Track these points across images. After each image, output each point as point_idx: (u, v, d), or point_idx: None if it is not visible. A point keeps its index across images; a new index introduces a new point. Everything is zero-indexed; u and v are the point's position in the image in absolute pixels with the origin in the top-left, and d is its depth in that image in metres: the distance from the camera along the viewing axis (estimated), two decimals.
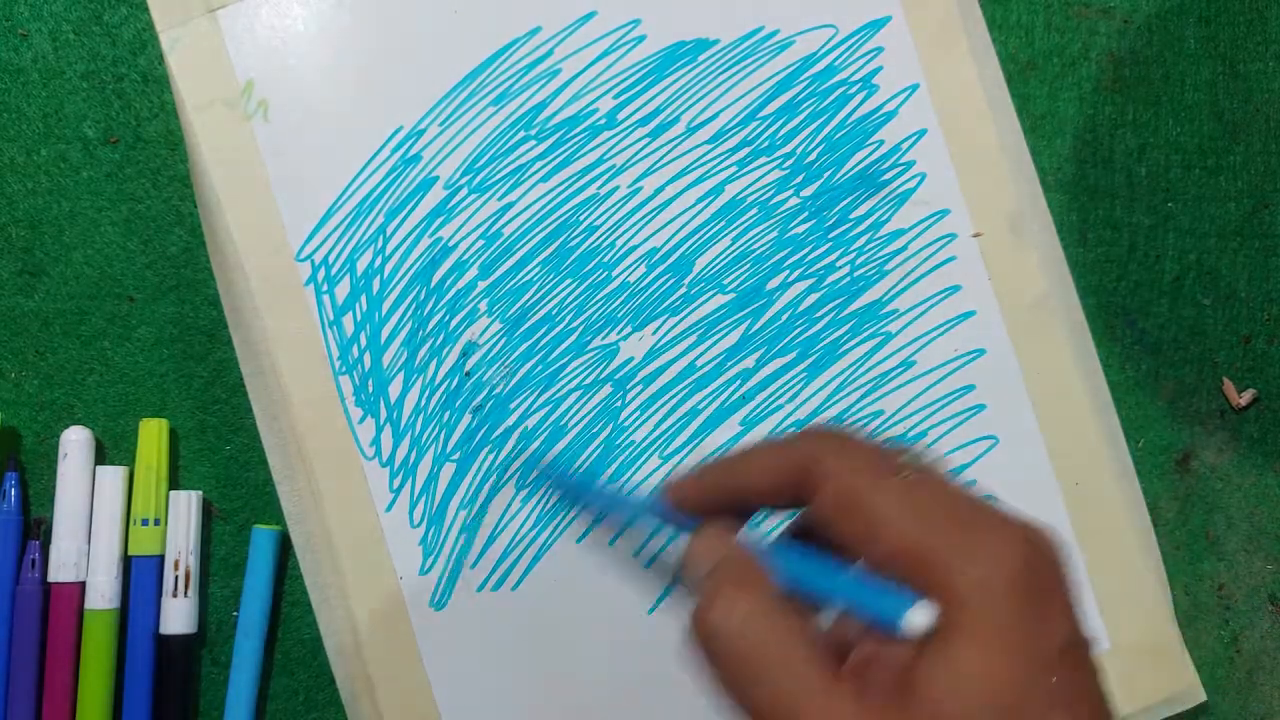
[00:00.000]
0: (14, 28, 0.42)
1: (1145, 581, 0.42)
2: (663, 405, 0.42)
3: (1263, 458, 0.44)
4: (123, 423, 0.42)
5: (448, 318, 0.42)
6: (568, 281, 0.42)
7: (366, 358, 0.41)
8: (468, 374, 0.42)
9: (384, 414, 0.41)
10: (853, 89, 0.43)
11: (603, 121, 0.42)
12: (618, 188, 0.42)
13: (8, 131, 0.42)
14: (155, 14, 0.41)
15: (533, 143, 0.42)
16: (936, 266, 0.43)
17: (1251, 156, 0.44)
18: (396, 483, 0.41)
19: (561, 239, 0.42)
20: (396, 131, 0.42)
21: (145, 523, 0.41)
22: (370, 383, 0.41)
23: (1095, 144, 0.44)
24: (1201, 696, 0.42)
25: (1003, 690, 0.24)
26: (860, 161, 0.43)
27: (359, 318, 0.41)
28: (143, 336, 0.43)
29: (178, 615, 0.41)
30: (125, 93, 0.43)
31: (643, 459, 0.42)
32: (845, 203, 0.43)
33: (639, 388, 0.42)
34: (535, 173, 0.42)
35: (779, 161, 0.43)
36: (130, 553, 0.41)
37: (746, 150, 0.43)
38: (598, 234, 0.42)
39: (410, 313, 0.42)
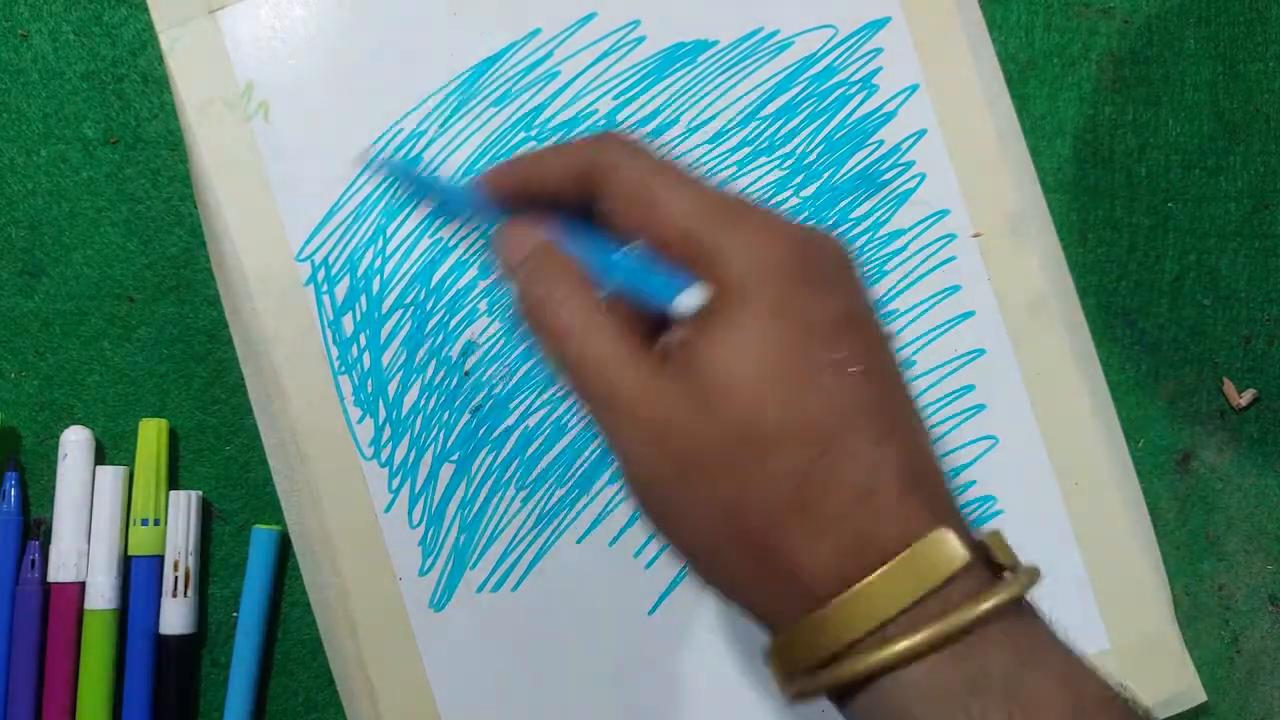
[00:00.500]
0: (14, 28, 0.42)
1: (1145, 581, 0.42)
2: None
3: (1263, 458, 0.44)
4: (123, 423, 0.42)
5: (447, 317, 0.42)
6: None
7: (366, 357, 0.41)
8: (467, 374, 0.42)
9: (383, 414, 0.41)
10: (852, 89, 0.43)
11: (603, 122, 0.42)
12: None
13: (8, 131, 0.42)
14: (155, 14, 0.41)
15: (533, 143, 0.42)
16: (936, 266, 0.43)
17: (1251, 156, 0.44)
18: (396, 483, 0.41)
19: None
20: (398, 132, 0.42)
21: (145, 523, 0.41)
22: (370, 382, 0.41)
23: (1095, 144, 0.44)
24: (1202, 697, 0.42)
25: (769, 358, 0.26)
26: (860, 162, 0.43)
27: (359, 318, 0.41)
28: (143, 336, 0.43)
29: (177, 615, 0.41)
30: (125, 93, 0.43)
31: None
32: (845, 203, 0.43)
33: None
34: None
35: (779, 162, 0.43)
36: (130, 553, 0.41)
37: (746, 150, 0.43)
38: None
39: (410, 313, 0.42)
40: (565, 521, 0.42)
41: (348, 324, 0.41)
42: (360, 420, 0.41)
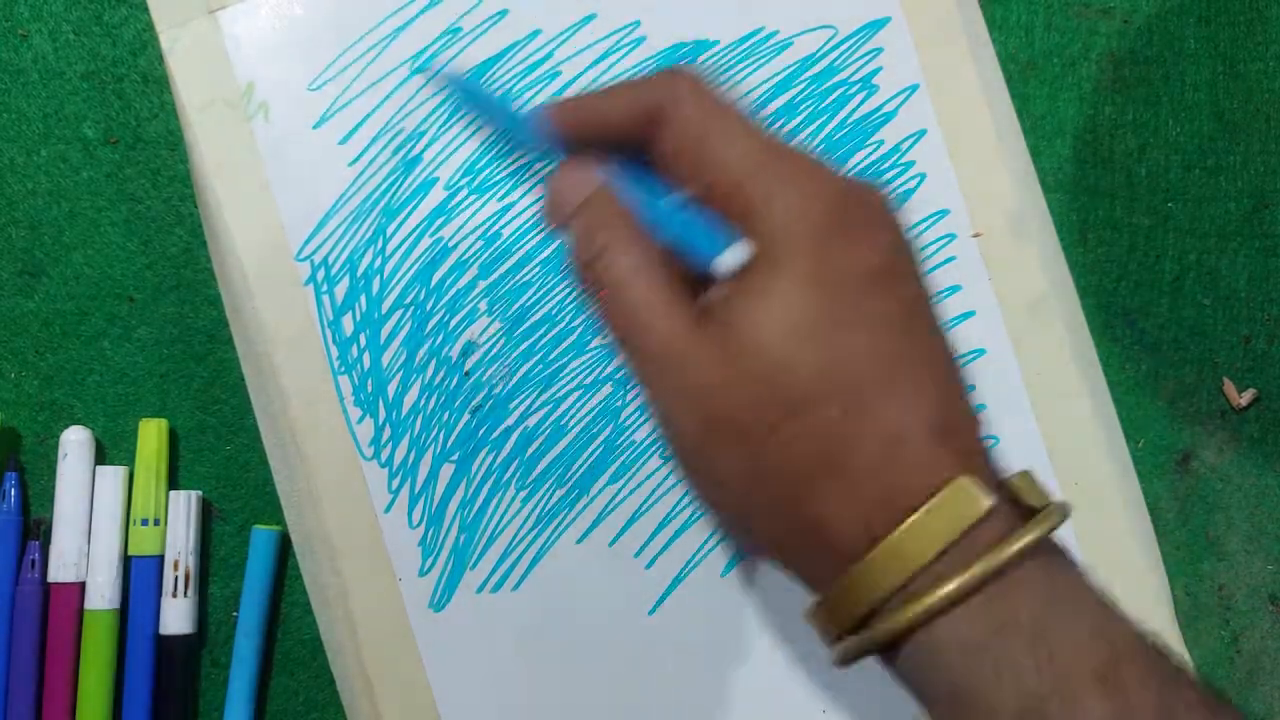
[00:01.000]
0: (14, 28, 0.42)
1: (1145, 581, 0.42)
2: None
3: (1263, 458, 0.44)
4: (123, 423, 0.42)
5: (447, 318, 0.42)
6: (568, 281, 0.42)
7: (366, 357, 0.41)
8: (467, 374, 0.42)
9: (383, 414, 0.41)
10: (852, 89, 0.43)
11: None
12: None
13: (8, 131, 0.42)
14: (155, 14, 0.41)
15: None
16: (936, 266, 0.43)
17: (1251, 156, 0.44)
18: (395, 483, 0.41)
19: (561, 239, 0.42)
20: (397, 133, 0.42)
21: (145, 523, 0.41)
22: (369, 383, 0.41)
23: (1095, 144, 0.44)
24: None
25: (800, 317, 0.26)
26: (860, 162, 0.43)
27: (358, 318, 0.41)
28: (143, 336, 0.43)
29: (178, 615, 0.41)
30: (125, 93, 0.43)
31: (643, 459, 0.42)
32: None
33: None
34: (535, 174, 0.42)
35: None
36: (130, 553, 0.41)
37: None
38: None
39: (410, 313, 0.42)
40: (565, 521, 0.42)
41: (347, 324, 0.41)
42: (360, 420, 0.41)
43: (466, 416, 0.42)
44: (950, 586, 0.25)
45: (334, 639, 0.41)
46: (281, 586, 0.42)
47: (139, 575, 0.41)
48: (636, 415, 0.42)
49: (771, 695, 0.42)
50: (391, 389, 0.41)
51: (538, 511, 0.42)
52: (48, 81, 0.43)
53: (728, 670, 0.42)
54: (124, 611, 0.41)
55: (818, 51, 0.43)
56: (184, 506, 0.41)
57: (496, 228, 0.42)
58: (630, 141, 0.30)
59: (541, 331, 0.42)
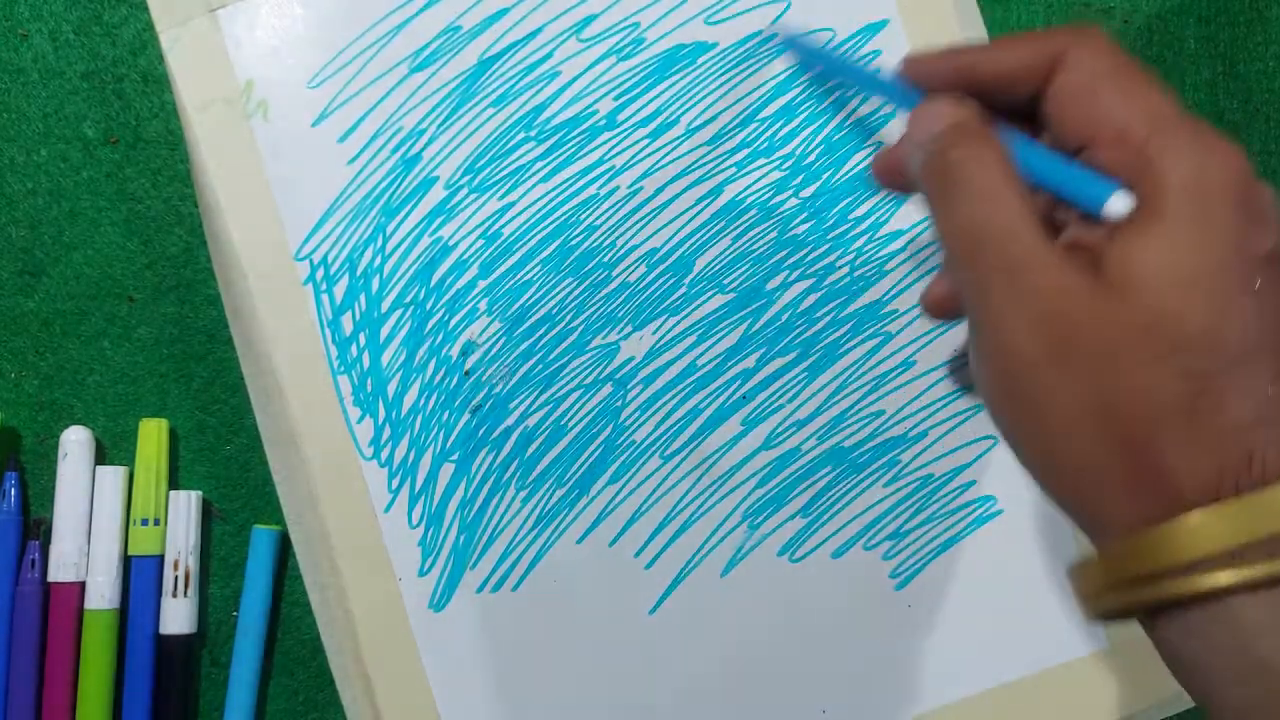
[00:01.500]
0: (14, 28, 0.42)
1: None
2: (663, 405, 0.42)
3: None
4: (123, 423, 0.42)
5: (447, 317, 0.42)
6: (568, 281, 0.42)
7: (365, 357, 0.41)
8: (467, 373, 0.42)
9: (383, 414, 0.41)
10: (851, 90, 0.43)
11: (603, 122, 0.42)
12: (618, 188, 0.42)
13: (8, 131, 0.42)
14: (155, 14, 0.41)
15: (533, 143, 0.42)
16: (936, 267, 0.43)
17: (1251, 156, 0.44)
18: (395, 483, 0.41)
19: (561, 239, 0.42)
20: (397, 131, 0.42)
21: (145, 523, 0.41)
22: (369, 382, 0.41)
23: None
24: None
25: (1197, 268, 0.26)
26: (860, 162, 0.43)
27: (358, 317, 0.41)
28: (143, 336, 0.43)
29: (178, 615, 0.41)
30: (125, 93, 0.43)
31: (643, 459, 0.42)
32: (845, 203, 0.43)
33: (639, 387, 0.42)
34: (535, 173, 0.42)
35: (779, 162, 0.43)
36: (130, 553, 0.41)
37: (746, 151, 0.43)
38: (598, 234, 0.42)
39: (410, 312, 0.42)
40: (565, 521, 0.42)
41: (347, 323, 0.41)
42: (360, 420, 0.41)
43: (466, 416, 0.42)
44: (1271, 568, 0.25)
45: (334, 639, 0.41)
46: (281, 586, 0.42)
47: (139, 575, 0.41)
48: (637, 415, 0.42)
49: (771, 695, 0.42)
50: (391, 389, 0.41)
51: (538, 511, 0.42)
52: (48, 81, 0.43)
53: (727, 670, 0.42)
54: (124, 611, 0.41)
55: None
56: (184, 506, 0.41)
57: (497, 227, 0.42)
58: (1012, 92, 0.30)
59: (541, 331, 0.42)
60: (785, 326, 0.42)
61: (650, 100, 0.42)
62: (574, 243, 0.42)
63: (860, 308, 0.43)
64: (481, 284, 0.42)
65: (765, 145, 0.43)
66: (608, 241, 0.42)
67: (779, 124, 0.43)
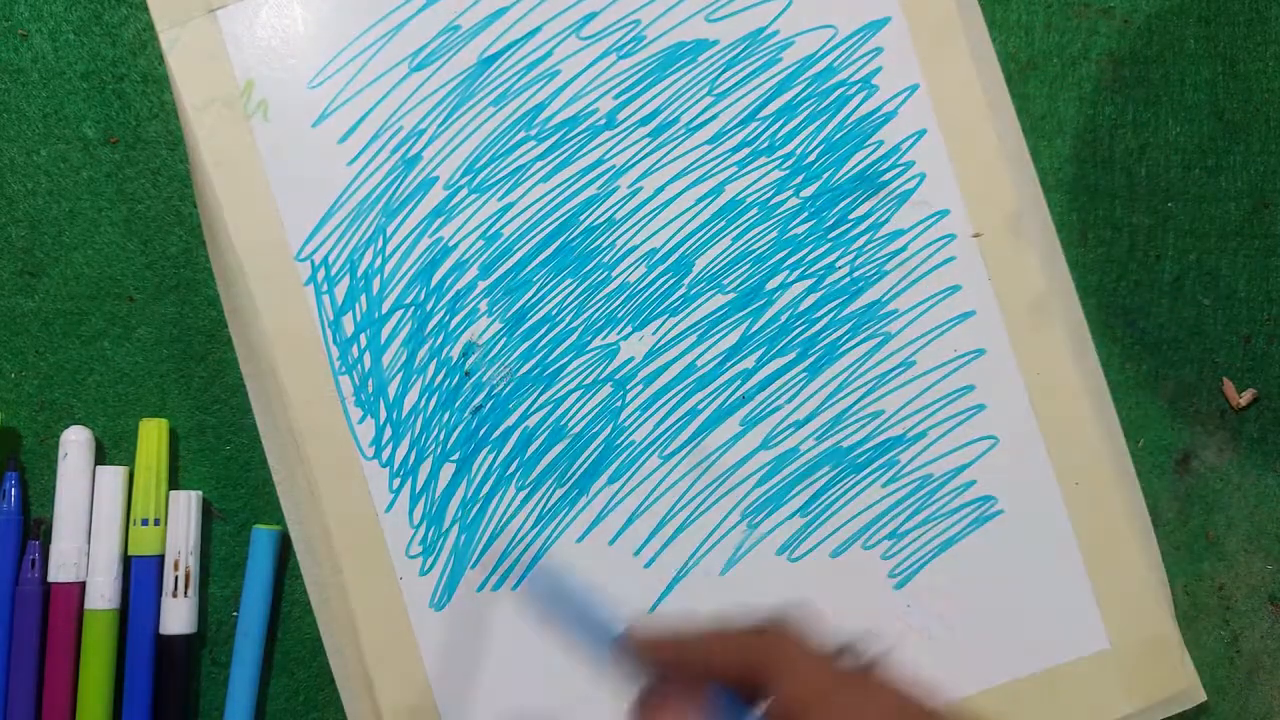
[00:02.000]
0: (14, 28, 0.42)
1: (1145, 581, 0.42)
2: (663, 405, 0.42)
3: (1263, 458, 0.44)
4: (123, 423, 0.42)
5: (448, 318, 0.42)
6: (568, 281, 0.42)
7: (366, 358, 0.41)
8: (467, 374, 0.42)
9: (384, 414, 0.41)
10: (852, 89, 0.43)
11: (602, 122, 0.42)
12: (618, 188, 0.42)
13: (8, 131, 0.42)
14: (155, 14, 0.41)
15: (533, 143, 0.42)
16: (936, 267, 0.43)
17: (1251, 156, 0.44)
18: (396, 483, 0.41)
19: (561, 239, 0.42)
20: (396, 131, 0.42)
21: (145, 523, 0.41)
22: (370, 383, 0.41)
23: (1095, 144, 0.44)
24: (1201, 696, 0.42)
25: None
26: (860, 162, 0.43)
27: (359, 318, 0.41)
28: (143, 336, 0.43)
29: (178, 615, 0.41)
30: (125, 93, 0.43)
31: (643, 459, 0.42)
32: (845, 203, 0.43)
33: (639, 388, 0.42)
34: (535, 173, 0.42)
35: (779, 162, 0.43)
36: (130, 553, 0.41)
37: (746, 150, 0.43)
38: (597, 234, 0.42)
39: (410, 313, 0.42)
40: (565, 521, 0.42)
41: (348, 324, 0.41)
42: (361, 420, 0.41)
43: (467, 416, 0.42)
44: None
45: (334, 639, 0.41)
46: (281, 586, 0.42)
47: (139, 575, 0.41)
48: (636, 415, 0.42)
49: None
50: (392, 389, 0.41)
51: (538, 511, 0.42)
52: (48, 81, 0.42)
53: None
54: (124, 611, 0.41)
55: (818, 51, 0.43)
56: (184, 506, 0.41)
57: (496, 227, 0.42)
58: (727, 684, 0.29)
59: (542, 331, 0.42)
60: (785, 326, 0.42)
61: (650, 99, 0.42)
62: (574, 243, 0.42)
63: (859, 308, 0.43)
64: (481, 285, 0.42)
65: (766, 144, 0.43)
66: (607, 241, 0.42)
67: (779, 123, 0.43)
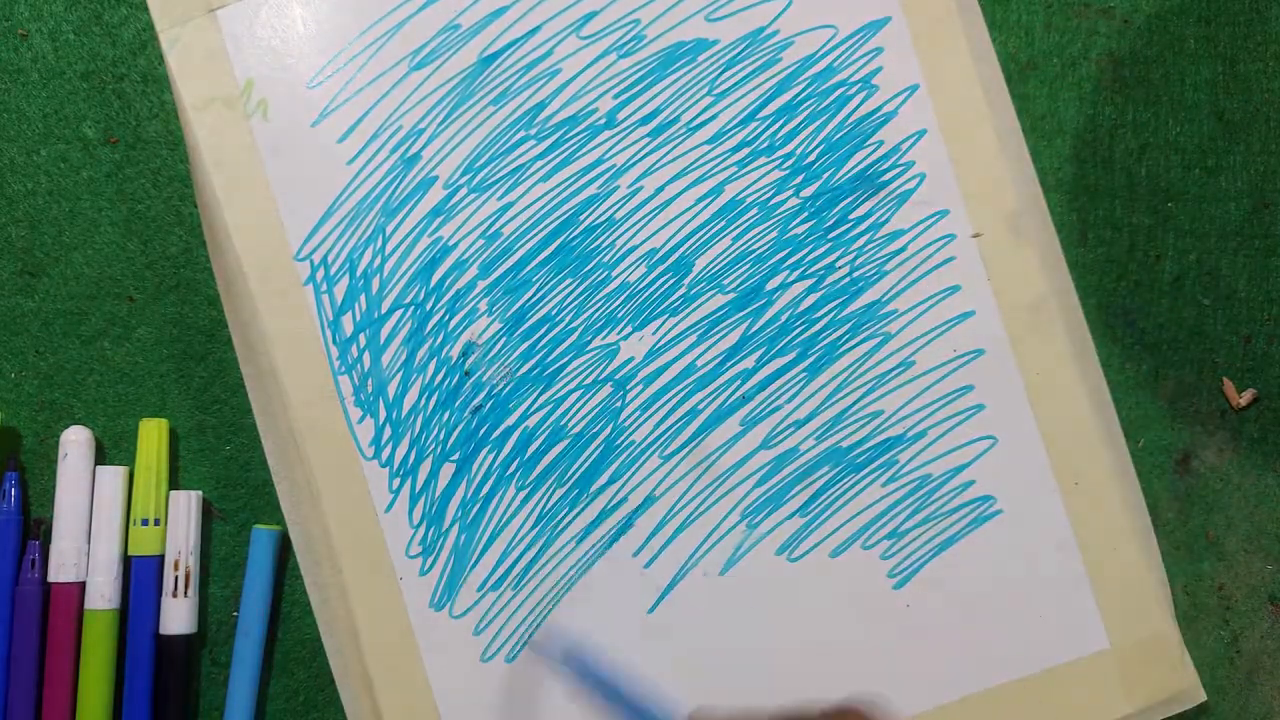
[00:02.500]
0: (14, 28, 0.42)
1: (1145, 581, 0.42)
2: (663, 405, 0.42)
3: (1263, 458, 0.44)
4: (123, 423, 0.42)
5: (447, 317, 0.42)
6: (568, 281, 0.42)
7: (366, 357, 0.41)
8: (467, 373, 0.42)
9: (383, 414, 0.41)
10: (852, 89, 0.43)
11: (602, 121, 0.42)
12: (617, 188, 0.42)
13: (8, 131, 0.42)
14: (155, 14, 0.41)
15: (532, 142, 0.42)
16: (936, 267, 0.43)
17: (1251, 156, 0.44)
18: (396, 483, 0.41)
19: (561, 239, 0.42)
20: (396, 130, 0.42)
21: (145, 523, 0.41)
22: (370, 382, 0.41)
23: (1095, 144, 0.44)
24: (1201, 696, 0.43)
25: None
26: (860, 162, 0.43)
27: (358, 317, 0.41)
28: (143, 336, 0.43)
29: (178, 615, 0.41)
30: (125, 93, 0.43)
31: (643, 459, 0.42)
32: (845, 203, 0.43)
33: (639, 388, 0.42)
34: (535, 172, 0.42)
35: (779, 162, 0.43)
36: (130, 553, 0.41)
37: (746, 150, 0.43)
38: (597, 234, 0.42)
39: (410, 312, 0.42)
40: (565, 521, 0.42)
41: (347, 324, 0.41)
42: (360, 420, 0.41)
43: (467, 416, 0.42)
44: None
45: (334, 639, 0.41)
46: (281, 586, 0.43)
47: (139, 575, 0.41)
48: (636, 415, 0.42)
49: (770, 694, 0.42)
50: (392, 389, 0.41)
51: (538, 511, 0.42)
52: (48, 81, 0.42)
53: (727, 669, 0.42)
54: (124, 611, 0.41)
55: (818, 51, 0.43)
56: (184, 506, 0.41)
57: (496, 226, 0.42)
58: None
59: (542, 331, 0.42)
60: (785, 326, 0.42)
61: (650, 98, 0.42)
62: (574, 243, 0.42)
63: (859, 308, 0.43)
64: (481, 284, 0.42)
65: (766, 144, 0.43)
66: (607, 241, 0.42)
67: (779, 122, 0.43)
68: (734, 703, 0.42)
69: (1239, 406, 0.44)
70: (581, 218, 0.42)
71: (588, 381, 0.42)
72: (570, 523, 0.42)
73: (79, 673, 0.41)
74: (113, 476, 0.41)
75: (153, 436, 0.42)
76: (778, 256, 0.42)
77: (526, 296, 0.42)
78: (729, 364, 0.42)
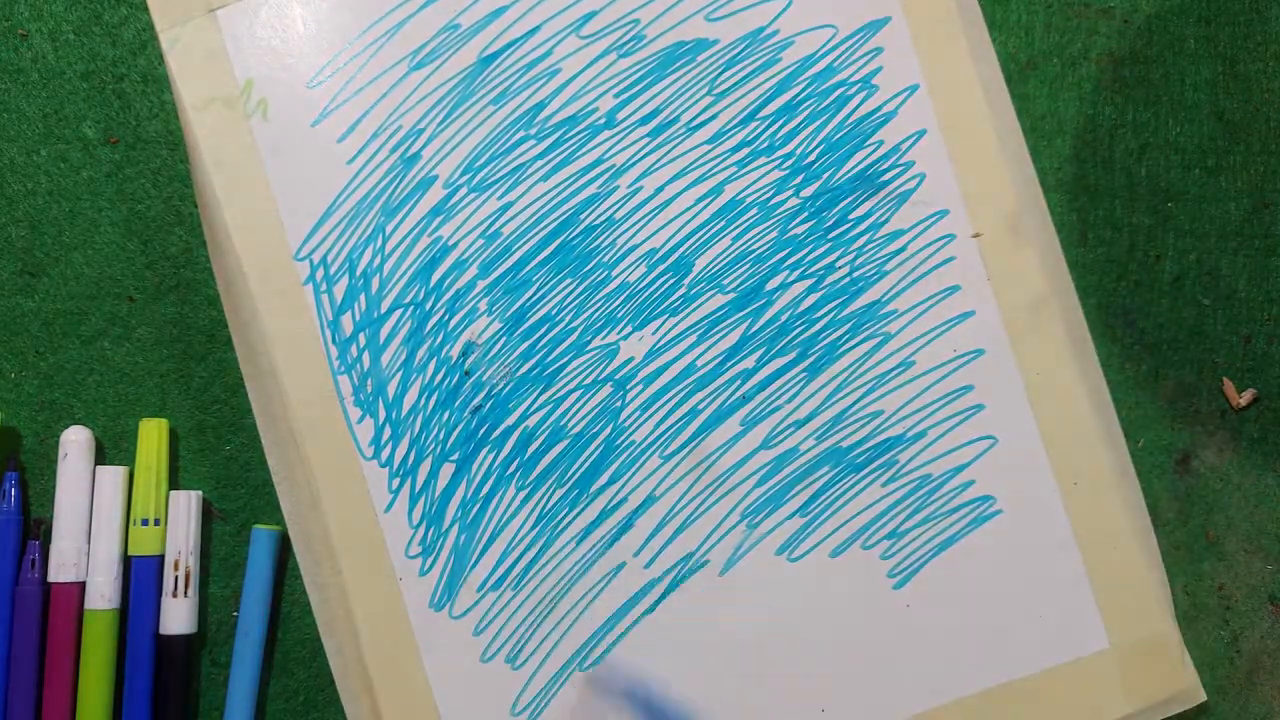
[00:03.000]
0: (14, 28, 0.42)
1: (1145, 581, 0.42)
2: (663, 405, 0.42)
3: (1263, 458, 0.44)
4: (123, 423, 0.42)
5: (447, 317, 0.42)
6: (568, 281, 0.42)
7: (365, 357, 0.41)
8: (467, 373, 0.42)
9: (383, 414, 0.41)
10: (852, 89, 0.43)
11: (602, 121, 0.42)
12: (617, 187, 0.42)
13: (8, 131, 0.42)
14: (155, 14, 0.41)
15: (532, 142, 0.42)
16: (936, 267, 0.43)
17: (1251, 156, 0.44)
18: (396, 483, 0.41)
19: (561, 238, 0.42)
20: (396, 130, 0.42)
21: (145, 523, 0.41)
22: (369, 382, 0.41)
23: (1095, 144, 0.44)
24: (1202, 696, 0.42)
25: None
26: (860, 162, 0.43)
27: (358, 317, 0.42)
28: (143, 336, 0.43)
29: (178, 615, 0.41)
30: (125, 93, 0.43)
31: (643, 459, 0.42)
32: (845, 203, 0.43)
33: (639, 388, 0.42)
34: (535, 172, 0.42)
35: (778, 162, 0.43)
36: (130, 553, 0.41)
37: (746, 150, 0.43)
38: (597, 233, 0.42)
39: (409, 312, 0.42)
40: (565, 521, 0.42)
41: (347, 323, 0.41)
42: (360, 420, 0.41)
43: (466, 416, 0.42)
44: None
45: (334, 639, 0.41)
46: (281, 586, 0.43)
47: (139, 575, 0.41)
48: (636, 415, 0.42)
49: (771, 694, 0.42)
50: (391, 389, 0.41)
51: (538, 511, 0.42)
52: (48, 81, 0.43)
53: (727, 669, 0.42)
54: (124, 611, 0.41)
55: (818, 51, 0.43)
56: (184, 506, 0.41)
57: (496, 226, 0.42)
58: None
59: (541, 331, 0.42)
60: (785, 326, 0.42)
61: (650, 98, 0.42)
62: (574, 243, 0.42)
63: (859, 308, 0.43)
64: (481, 284, 0.42)
65: (766, 144, 0.43)
66: (607, 241, 0.42)
67: (779, 122, 0.43)
68: (734, 702, 0.42)
69: (1239, 406, 0.44)
70: (581, 217, 0.42)
71: (588, 381, 0.42)
72: (570, 523, 0.42)
73: (79, 673, 0.41)
74: (113, 476, 0.41)
75: (153, 436, 0.42)
76: (778, 256, 0.42)
77: (526, 296, 0.42)
78: (729, 364, 0.42)
